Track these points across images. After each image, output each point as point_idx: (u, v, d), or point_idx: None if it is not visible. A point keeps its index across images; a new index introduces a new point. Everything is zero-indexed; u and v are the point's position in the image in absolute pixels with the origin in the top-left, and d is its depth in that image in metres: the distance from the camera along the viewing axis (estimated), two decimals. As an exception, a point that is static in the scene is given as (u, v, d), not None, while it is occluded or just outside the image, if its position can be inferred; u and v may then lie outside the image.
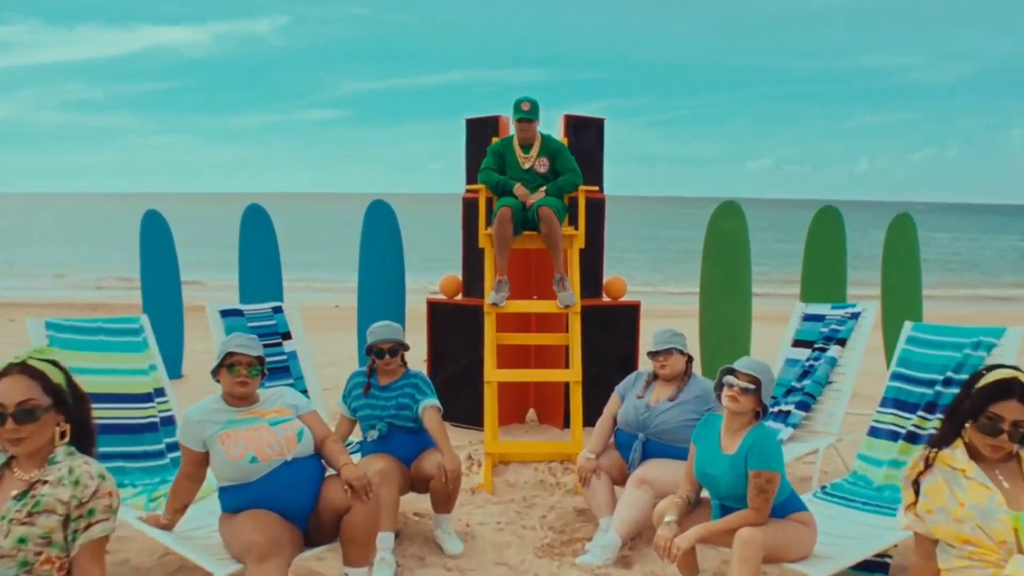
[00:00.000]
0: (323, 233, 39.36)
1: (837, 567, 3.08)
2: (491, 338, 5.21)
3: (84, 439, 2.18)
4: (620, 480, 4.02)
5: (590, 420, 4.57)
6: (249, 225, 7.33)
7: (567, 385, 5.30)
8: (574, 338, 5.20)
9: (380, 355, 3.94)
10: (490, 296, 5.32)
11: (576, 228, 5.57)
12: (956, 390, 3.90)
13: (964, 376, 3.95)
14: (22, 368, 2.13)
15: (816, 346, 4.97)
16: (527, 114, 5.33)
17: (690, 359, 4.11)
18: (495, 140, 5.68)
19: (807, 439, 4.64)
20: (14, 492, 2.08)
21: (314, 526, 3.15)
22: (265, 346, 4.86)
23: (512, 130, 5.53)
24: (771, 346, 5.78)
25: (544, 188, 5.40)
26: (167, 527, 3.26)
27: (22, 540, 2.01)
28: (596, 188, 5.91)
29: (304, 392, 4.96)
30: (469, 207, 5.91)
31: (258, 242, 7.29)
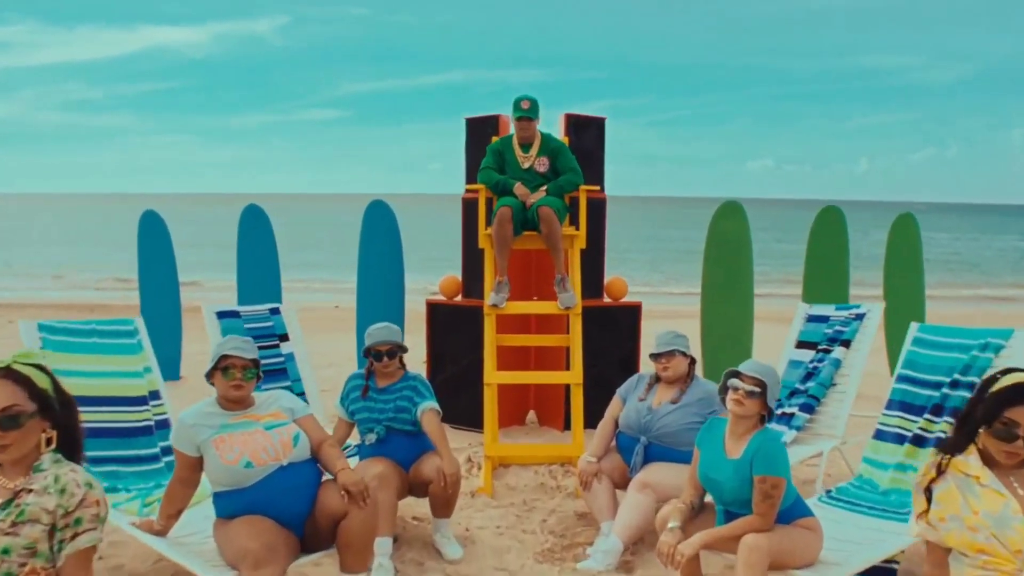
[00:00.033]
0: (323, 233, 39.36)
1: (844, 574, 3.03)
2: (491, 339, 5.16)
3: (71, 446, 2.13)
4: (622, 484, 3.97)
5: (591, 422, 4.52)
6: (247, 226, 7.30)
7: (568, 387, 5.25)
8: (575, 339, 5.15)
9: (378, 357, 3.88)
10: (490, 297, 5.27)
11: (577, 228, 5.52)
12: (963, 392, 3.87)
13: (971, 378, 3.90)
14: (6, 373, 2.07)
15: (820, 347, 4.91)
16: (527, 113, 5.28)
17: (693, 361, 4.06)
18: (495, 139, 5.63)
19: (811, 442, 4.58)
20: None
21: (310, 532, 3.11)
22: (262, 348, 4.81)
23: (512, 129, 5.48)
24: (772, 346, 5.73)
25: (544, 188, 5.35)
26: (161, 533, 3.21)
27: (5, 551, 1.95)
28: (597, 188, 5.86)
29: (302, 394, 4.91)
30: (469, 207, 5.86)
31: (256, 243, 7.26)
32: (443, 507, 3.83)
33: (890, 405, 4.16)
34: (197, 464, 3.11)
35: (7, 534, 1.96)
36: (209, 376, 3.18)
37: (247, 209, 7.37)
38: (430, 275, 14.26)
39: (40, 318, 4.27)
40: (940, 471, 2.34)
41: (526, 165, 5.40)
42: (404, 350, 3.97)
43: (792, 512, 3.01)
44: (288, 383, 4.91)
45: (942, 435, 3.85)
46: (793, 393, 4.83)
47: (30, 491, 2.02)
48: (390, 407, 3.82)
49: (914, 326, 4.35)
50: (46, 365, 2.14)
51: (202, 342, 5.36)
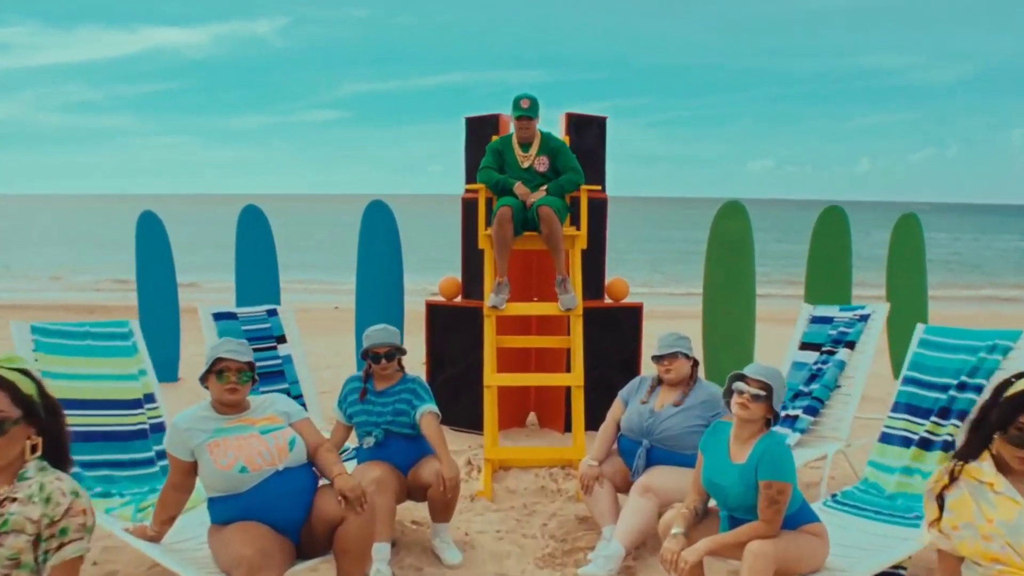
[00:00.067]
0: (323, 234, 39.35)
1: (851, 581, 2.98)
2: (491, 341, 5.10)
3: (57, 453, 2.06)
4: (623, 488, 3.92)
5: (592, 424, 4.47)
6: (246, 226, 7.26)
7: (568, 389, 5.20)
8: (576, 341, 5.10)
9: (376, 360, 3.83)
10: (490, 298, 5.21)
11: (578, 228, 5.46)
12: (971, 395, 3.81)
13: (979, 380, 3.84)
14: (-10, 378, 2.01)
15: (824, 349, 4.86)
16: (526, 112, 5.23)
17: (696, 363, 4.01)
18: (494, 138, 5.58)
19: (815, 444, 4.54)
20: None
21: (307, 538, 3.05)
22: (260, 350, 4.78)
23: (512, 128, 5.42)
24: (774, 347, 5.69)
25: (545, 187, 5.29)
26: (154, 539, 3.16)
27: (-11, 561, 1.89)
28: (598, 187, 5.81)
29: (299, 397, 4.86)
30: (468, 207, 5.80)
31: (255, 243, 7.22)
32: (442, 511, 3.78)
33: (896, 408, 4.10)
34: (191, 469, 3.05)
35: (-9, 544, 1.91)
36: (203, 379, 3.12)
37: (245, 210, 7.32)
38: (430, 276, 14.21)
39: (38, 319, 4.22)
40: (953, 478, 2.29)
41: (526, 164, 5.34)
42: (402, 352, 3.91)
43: (798, 518, 2.95)
44: (286, 385, 4.86)
45: (949, 438, 3.80)
46: (797, 395, 4.78)
47: (14, 500, 1.95)
48: (388, 410, 3.77)
49: (920, 327, 4.29)
50: (31, 370, 2.08)
51: (201, 344, 5.33)
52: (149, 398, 4.17)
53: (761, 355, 6.70)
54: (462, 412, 5.77)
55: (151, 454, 3.99)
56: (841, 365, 4.72)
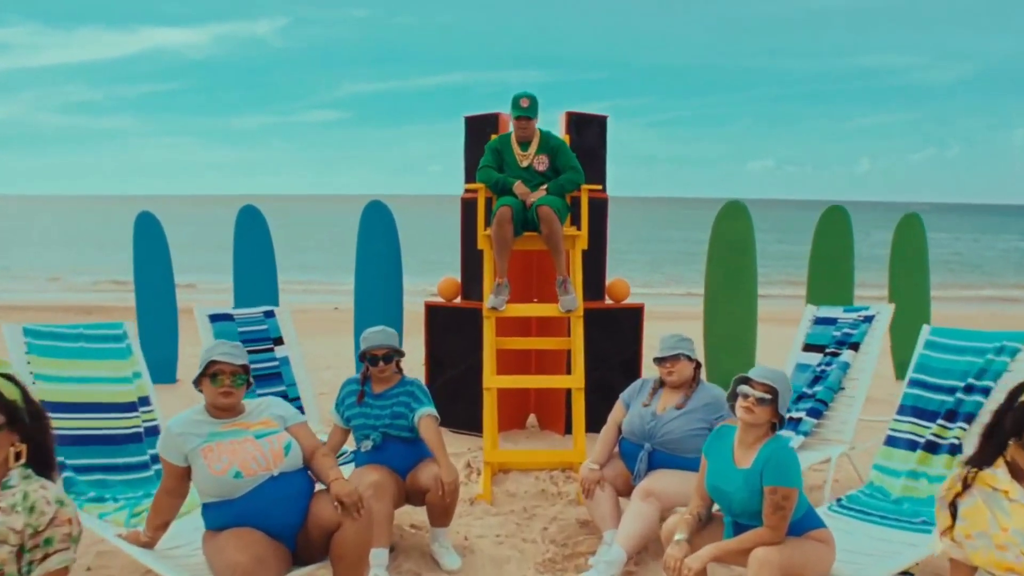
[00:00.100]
0: (323, 235, 39.31)
1: (857, 588, 2.92)
2: (490, 343, 5.05)
3: (42, 460, 2.01)
4: (625, 491, 3.87)
5: (593, 427, 4.41)
6: (243, 227, 7.22)
7: (569, 390, 5.14)
8: (576, 343, 5.04)
9: (374, 362, 3.78)
10: (489, 300, 5.15)
11: (578, 228, 5.40)
12: (978, 397, 3.75)
13: (987, 383, 3.78)
14: (-28, 383, 1.95)
15: (828, 350, 4.80)
16: (525, 111, 5.17)
17: (698, 365, 3.95)
18: (493, 137, 5.52)
19: (819, 447, 4.48)
20: None
21: (303, 544, 2.99)
22: (256, 352, 4.73)
23: (511, 127, 5.37)
24: (775, 348, 5.63)
25: (544, 186, 5.24)
26: (148, 545, 3.10)
27: (-28, 573, 1.84)
28: (599, 187, 5.75)
29: (296, 399, 4.80)
30: (468, 207, 5.75)
31: (253, 244, 7.18)
32: (441, 516, 3.73)
33: (902, 410, 4.04)
34: (185, 474, 3.00)
35: (-27, 555, 1.85)
36: (197, 382, 3.07)
37: (243, 210, 7.28)
38: (429, 277, 14.16)
39: (36, 320, 4.17)
40: (966, 485, 2.23)
41: (525, 164, 5.29)
42: (401, 354, 3.86)
43: (804, 524, 2.89)
44: (283, 387, 4.81)
45: (956, 441, 3.74)
46: (800, 397, 4.72)
47: (-3, 509, 1.90)
48: (386, 413, 3.72)
49: (926, 329, 4.24)
50: (15, 374, 2.02)
51: (198, 345, 5.28)
52: (144, 401, 4.11)
53: (762, 356, 6.65)
54: (461, 414, 5.72)
55: (146, 458, 3.93)
56: (845, 367, 4.66)
